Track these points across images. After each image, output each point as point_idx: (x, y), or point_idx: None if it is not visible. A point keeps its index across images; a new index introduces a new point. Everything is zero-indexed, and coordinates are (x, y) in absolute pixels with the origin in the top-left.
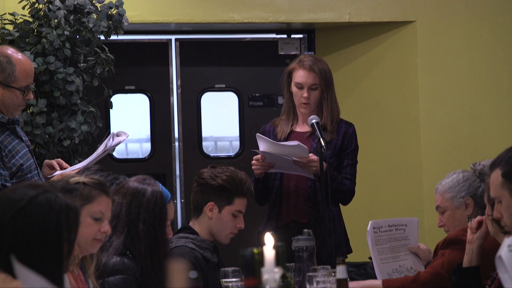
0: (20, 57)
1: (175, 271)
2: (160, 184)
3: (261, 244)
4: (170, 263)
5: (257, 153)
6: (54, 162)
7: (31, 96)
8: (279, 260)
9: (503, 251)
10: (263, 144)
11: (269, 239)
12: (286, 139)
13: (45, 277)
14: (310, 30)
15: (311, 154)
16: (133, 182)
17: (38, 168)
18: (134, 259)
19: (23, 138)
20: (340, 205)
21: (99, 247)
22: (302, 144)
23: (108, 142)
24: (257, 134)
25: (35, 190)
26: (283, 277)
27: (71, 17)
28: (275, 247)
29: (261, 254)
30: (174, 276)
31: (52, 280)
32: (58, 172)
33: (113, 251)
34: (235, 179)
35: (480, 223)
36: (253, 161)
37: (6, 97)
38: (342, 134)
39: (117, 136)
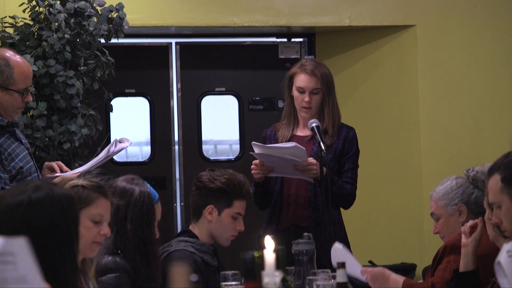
0: (18, 59)
1: (175, 275)
2: (149, 185)
3: (261, 248)
4: (169, 267)
5: (256, 157)
6: (54, 164)
7: (30, 98)
8: (280, 264)
9: (502, 257)
10: (259, 149)
11: (269, 242)
12: None
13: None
14: (310, 34)
15: (310, 158)
16: (121, 181)
17: (38, 171)
18: (125, 258)
19: (23, 141)
20: (341, 208)
21: (98, 250)
22: (299, 145)
23: (111, 148)
24: (253, 142)
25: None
26: (283, 280)
27: (72, 20)
28: (275, 250)
29: (261, 257)
30: (174, 280)
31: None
32: (58, 175)
33: (104, 250)
34: (234, 181)
35: (473, 228)
36: (252, 166)
37: (4, 100)
38: (343, 138)
39: (120, 142)
